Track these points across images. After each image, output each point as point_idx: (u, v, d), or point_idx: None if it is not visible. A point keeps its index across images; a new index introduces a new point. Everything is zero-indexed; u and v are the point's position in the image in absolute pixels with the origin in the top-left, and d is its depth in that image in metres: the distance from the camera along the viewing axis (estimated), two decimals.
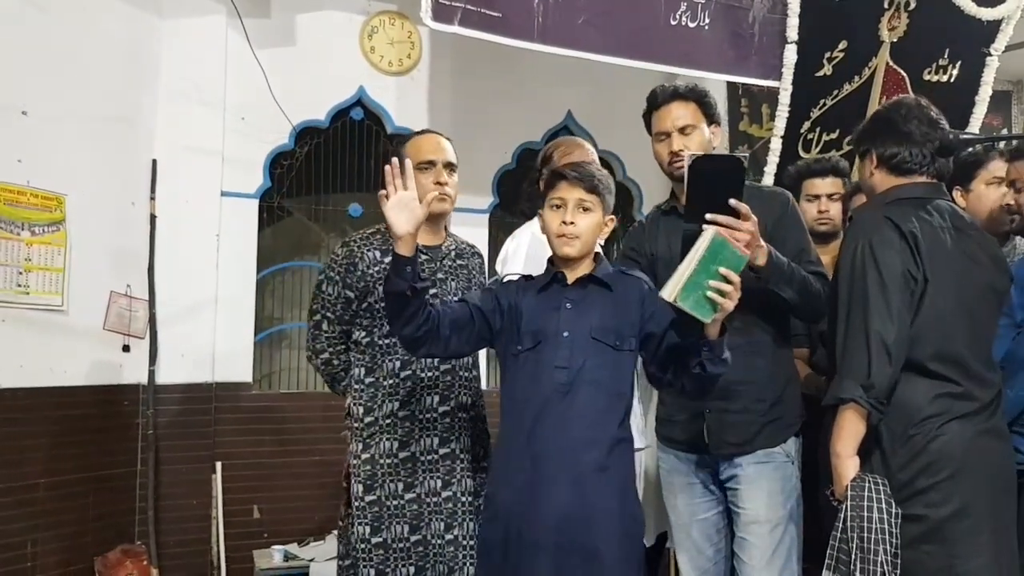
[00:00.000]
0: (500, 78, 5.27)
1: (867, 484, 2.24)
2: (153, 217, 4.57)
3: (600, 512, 2.23)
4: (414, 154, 2.80)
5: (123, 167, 4.47)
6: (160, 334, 4.56)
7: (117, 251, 4.42)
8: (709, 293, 2.07)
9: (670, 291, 2.08)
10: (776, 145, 4.31)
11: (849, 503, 2.24)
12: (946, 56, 4.55)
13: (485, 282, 3.01)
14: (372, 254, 2.83)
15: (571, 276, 2.37)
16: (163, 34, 4.66)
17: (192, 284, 4.67)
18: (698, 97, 2.73)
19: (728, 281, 2.09)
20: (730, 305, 2.09)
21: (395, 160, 2.24)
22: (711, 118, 2.75)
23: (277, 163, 5.05)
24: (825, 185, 3.47)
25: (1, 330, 3.89)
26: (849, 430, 2.28)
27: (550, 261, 2.43)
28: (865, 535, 2.20)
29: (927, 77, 4.55)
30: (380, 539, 2.74)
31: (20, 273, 3.96)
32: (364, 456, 2.79)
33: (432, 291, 2.32)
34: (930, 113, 2.51)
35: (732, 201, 2.31)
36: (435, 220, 2.86)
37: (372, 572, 2.74)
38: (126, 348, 4.44)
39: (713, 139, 2.76)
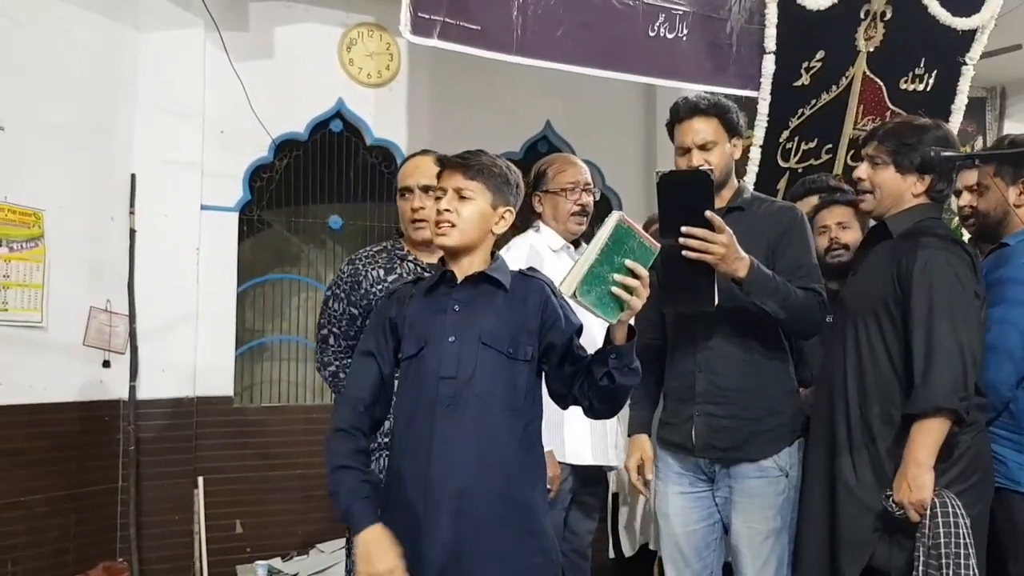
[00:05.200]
0: (479, 89, 5.26)
1: (949, 501, 2.28)
2: (132, 231, 4.54)
3: (498, 551, 1.98)
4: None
5: (101, 181, 4.44)
6: (140, 349, 4.53)
7: (96, 266, 4.40)
8: (614, 289, 1.87)
9: (569, 284, 1.86)
10: (755, 154, 4.33)
11: (940, 519, 2.27)
12: (922, 65, 4.58)
13: None
14: (376, 272, 2.87)
15: (460, 274, 2.12)
16: (140, 47, 4.63)
17: (172, 298, 4.64)
18: (720, 112, 2.71)
19: (635, 275, 1.89)
20: (637, 304, 1.89)
21: None
22: (733, 132, 2.74)
23: (256, 176, 5.03)
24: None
25: None
26: (936, 439, 2.31)
27: (440, 260, 2.21)
28: (952, 550, 2.24)
29: (903, 86, 4.58)
30: None
31: None
32: None
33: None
34: None
35: (708, 214, 2.34)
36: None
37: None
38: (106, 364, 4.41)
39: (735, 151, 2.77)
